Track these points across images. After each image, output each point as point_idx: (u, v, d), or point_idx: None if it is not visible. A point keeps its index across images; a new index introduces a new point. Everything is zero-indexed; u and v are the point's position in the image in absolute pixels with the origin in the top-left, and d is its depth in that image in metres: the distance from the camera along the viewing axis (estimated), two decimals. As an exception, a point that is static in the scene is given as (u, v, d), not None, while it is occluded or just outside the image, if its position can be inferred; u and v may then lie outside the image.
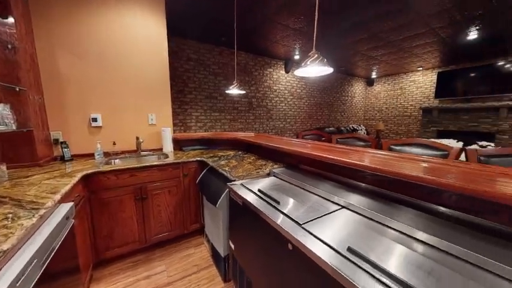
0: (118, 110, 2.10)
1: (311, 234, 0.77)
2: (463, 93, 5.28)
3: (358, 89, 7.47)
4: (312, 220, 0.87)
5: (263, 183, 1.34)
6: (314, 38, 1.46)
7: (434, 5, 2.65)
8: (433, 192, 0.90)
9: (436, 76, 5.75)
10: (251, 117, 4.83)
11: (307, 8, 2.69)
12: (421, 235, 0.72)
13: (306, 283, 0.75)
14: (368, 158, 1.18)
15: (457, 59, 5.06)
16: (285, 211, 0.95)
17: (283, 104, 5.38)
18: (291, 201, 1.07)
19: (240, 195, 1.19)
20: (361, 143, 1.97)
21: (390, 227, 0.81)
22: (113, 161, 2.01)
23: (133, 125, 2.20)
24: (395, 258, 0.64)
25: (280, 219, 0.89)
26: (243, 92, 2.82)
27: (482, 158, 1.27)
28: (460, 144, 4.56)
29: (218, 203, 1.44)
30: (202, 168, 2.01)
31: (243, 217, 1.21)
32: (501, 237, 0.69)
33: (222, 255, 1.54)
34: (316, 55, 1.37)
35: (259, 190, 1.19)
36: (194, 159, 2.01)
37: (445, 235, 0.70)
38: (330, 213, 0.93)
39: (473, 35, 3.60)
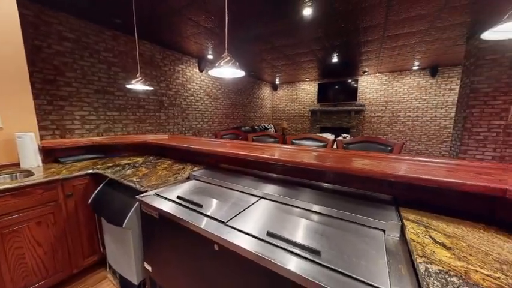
0: None
1: (235, 229, 0.81)
2: (332, 99, 7.36)
3: (266, 92, 8.53)
4: (235, 216, 0.90)
5: (182, 189, 1.23)
6: (226, 41, 1.51)
7: (311, 33, 3.51)
8: (321, 173, 1.20)
9: (317, 86, 7.64)
10: (163, 117, 4.30)
11: (218, 9, 2.73)
12: (315, 207, 0.94)
13: (235, 278, 0.77)
14: (277, 152, 1.38)
15: (328, 74, 6.97)
16: (208, 213, 0.93)
17: (200, 104, 5.20)
18: (214, 201, 1.06)
19: (155, 207, 1.03)
20: (272, 140, 2.28)
21: (296, 206, 0.99)
22: None
23: None
24: (301, 230, 0.80)
25: (204, 223, 0.86)
26: (151, 88, 2.42)
27: (345, 145, 1.84)
28: (332, 137, 6.33)
29: (125, 222, 1.18)
30: (97, 183, 1.57)
31: (161, 231, 1.06)
32: (357, 197, 1.03)
33: (136, 282, 1.28)
34: (228, 57, 1.42)
35: (178, 197, 1.09)
36: (83, 173, 1.53)
37: (328, 203, 0.95)
38: (251, 205, 1.01)
39: (335, 58, 5.09)
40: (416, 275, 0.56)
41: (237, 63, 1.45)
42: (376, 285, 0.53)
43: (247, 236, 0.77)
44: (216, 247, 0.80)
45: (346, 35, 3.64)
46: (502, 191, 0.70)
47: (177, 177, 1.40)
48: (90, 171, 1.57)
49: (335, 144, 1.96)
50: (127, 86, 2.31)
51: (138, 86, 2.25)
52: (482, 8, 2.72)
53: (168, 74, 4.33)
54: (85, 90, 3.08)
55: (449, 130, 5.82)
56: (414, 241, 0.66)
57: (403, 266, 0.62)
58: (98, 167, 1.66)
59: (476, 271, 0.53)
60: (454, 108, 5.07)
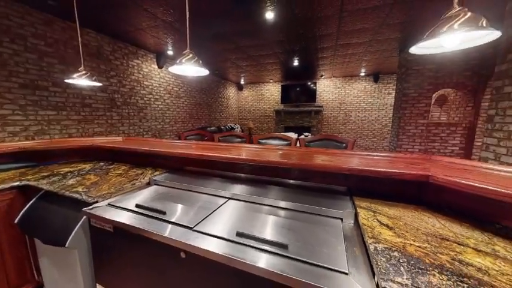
0: None
1: (203, 233, 0.78)
2: (295, 100, 7.81)
3: (231, 92, 8.47)
4: (203, 220, 0.87)
5: (142, 196, 1.12)
6: (188, 37, 1.44)
7: (274, 36, 3.65)
8: (286, 170, 1.26)
9: (280, 87, 7.98)
10: (115, 117, 3.82)
11: (177, 2, 2.58)
12: (282, 203, 0.99)
13: (204, 284, 0.74)
14: (244, 152, 1.39)
15: (290, 76, 7.35)
16: (173, 220, 0.87)
17: (160, 103, 4.81)
18: (179, 207, 1.00)
19: (109, 219, 0.91)
20: (238, 140, 2.28)
21: (264, 204, 1.02)
22: None
23: None
24: (269, 226, 0.82)
25: (168, 230, 0.80)
26: (99, 84, 2.10)
27: (306, 143, 1.97)
28: (296, 135, 6.73)
29: (68, 241, 1.01)
30: (27, 197, 1.29)
31: (118, 245, 0.94)
32: (318, 191, 1.11)
33: (86, 309, 1.11)
34: (191, 55, 1.36)
35: (137, 205, 0.98)
36: (7, 186, 1.24)
37: (293, 199, 1.01)
38: (219, 207, 0.99)
39: (296, 62, 5.41)
40: (368, 254, 0.65)
41: (200, 61, 1.39)
42: (336, 268, 0.59)
43: (216, 239, 0.75)
44: (182, 255, 0.76)
45: (305, 41, 3.90)
46: (426, 176, 0.86)
47: (135, 184, 1.27)
48: (17, 183, 1.28)
49: (298, 142, 2.08)
50: (67, 80, 1.97)
51: (81, 81, 1.94)
52: (410, 27, 3.30)
53: (121, 69, 3.87)
54: (6, 84, 2.49)
55: (388, 128, 6.87)
56: (365, 225, 0.76)
57: (357, 248, 0.70)
58: (29, 177, 1.36)
59: (411, 244, 0.65)
60: (392, 110, 6.01)
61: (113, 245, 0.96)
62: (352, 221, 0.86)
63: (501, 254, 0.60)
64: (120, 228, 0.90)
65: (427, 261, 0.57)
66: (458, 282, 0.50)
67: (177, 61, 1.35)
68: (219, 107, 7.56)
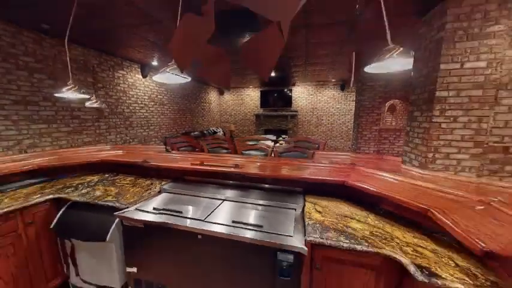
0: None
1: (211, 222, 1.26)
2: (273, 105, 8.43)
3: (213, 96, 8.78)
4: (209, 215, 1.34)
5: (157, 202, 1.54)
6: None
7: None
8: (264, 179, 1.78)
9: (259, 93, 8.53)
10: (103, 127, 3.97)
11: (170, 29, 2.92)
12: (260, 201, 1.50)
13: (214, 253, 1.23)
14: (232, 164, 1.87)
15: (268, 83, 7.93)
16: (188, 216, 1.33)
17: (144, 111, 5.00)
18: (190, 208, 1.45)
19: (139, 219, 1.31)
20: (225, 151, 2.74)
21: (248, 202, 1.52)
22: None
23: None
24: (252, 216, 1.33)
25: (188, 222, 1.26)
26: (87, 96, 2.34)
27: (279, 154, 2.52)
28: (273, 143, 7.34)
29: (108, 236, 1.40)
30: (56, 208, 1.61)
31: (147, 237, 1.36)
32: (284, 192, 1.65)
33: (119, 286, 1.50)
34: (175, 66, 1.45)
35: (157, 208, 1.40)
36: (42, 199, 1.55)
37: (267, 198, 1.53)
38: (218, 206, 1.47)
39: (272, 71, 5.98)
40: (304, 226, 1.20)
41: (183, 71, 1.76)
42: (287, 234, 1.12)
43: (220, 225, 1.23)
44: (199, 237, 1.23)
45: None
46: (343, 181, 1.45)
47: (150, 192, 1.67)
48: (51, 196, 1.59)
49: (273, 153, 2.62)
50: (56, 94, 2.19)
51: (70, 94, 2.07)
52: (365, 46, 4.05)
53: (107, 81, 4.02)
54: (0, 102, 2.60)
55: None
56: (307, 212, 1.31)
57: (300, 225, 1.24)
58: (53, 190, 1.67)
59: (327, 220, 1.21)
60: (355, 115, 6.96)
61: (143, 237, 1.38)
62: (301, 210, 1.41)
63: (369, 222, 1.20)
64: (149, 225, 1.32)
65: (331, 227, 1.14)
66: (340, 233, 1.06)
67: (161, 71, 1.47)
68: (201, 112, 7.83)
